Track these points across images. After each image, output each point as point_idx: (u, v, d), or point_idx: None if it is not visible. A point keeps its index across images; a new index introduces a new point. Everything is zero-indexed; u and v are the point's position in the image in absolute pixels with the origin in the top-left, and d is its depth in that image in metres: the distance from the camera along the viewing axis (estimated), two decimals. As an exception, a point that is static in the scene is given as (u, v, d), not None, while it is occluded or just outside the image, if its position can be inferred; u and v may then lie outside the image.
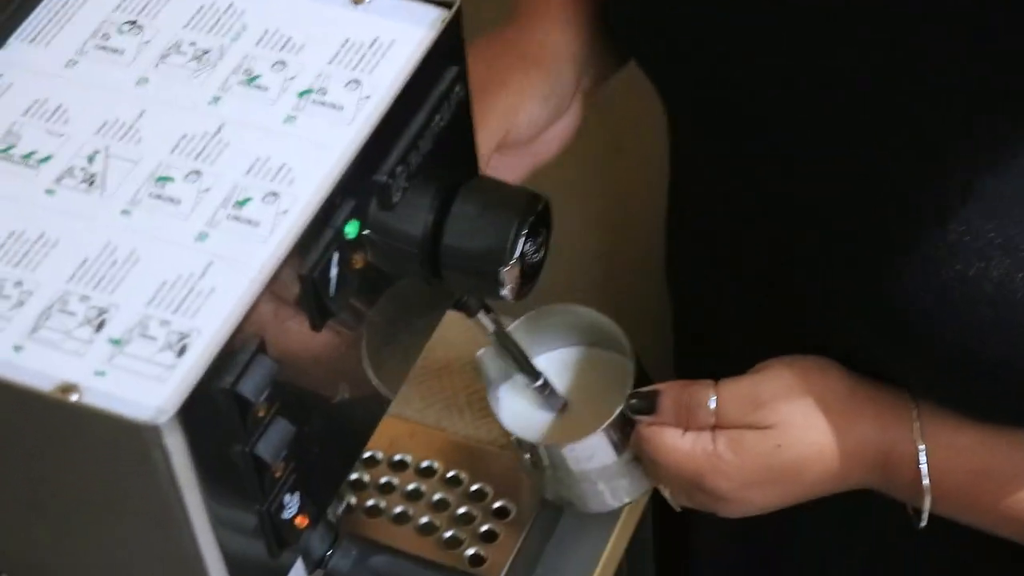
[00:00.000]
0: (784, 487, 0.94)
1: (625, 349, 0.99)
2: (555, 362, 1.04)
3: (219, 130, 0.70)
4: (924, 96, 0.84)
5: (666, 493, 1.00)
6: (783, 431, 0.92)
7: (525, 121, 0.94)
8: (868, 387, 0.93)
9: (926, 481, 0.91)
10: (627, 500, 1.03)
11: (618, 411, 0.96)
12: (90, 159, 0.69)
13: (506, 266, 0.76)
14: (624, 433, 0.97)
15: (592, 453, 0.98)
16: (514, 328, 1.00)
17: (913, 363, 0.87)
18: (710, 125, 0.96)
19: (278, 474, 0.68)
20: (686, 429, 0.94)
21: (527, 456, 1.00)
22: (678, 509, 1.01)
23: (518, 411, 1.01)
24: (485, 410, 1.13)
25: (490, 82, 0.93)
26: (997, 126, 0.82)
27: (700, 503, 0.97)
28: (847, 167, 0.87)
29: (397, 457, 1.12)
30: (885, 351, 0.89)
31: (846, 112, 0.86)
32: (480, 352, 0.98)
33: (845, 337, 0.91)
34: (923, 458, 0.91)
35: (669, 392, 0.94)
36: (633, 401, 0.95)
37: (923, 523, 0.93)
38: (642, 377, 0.98)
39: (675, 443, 0.94)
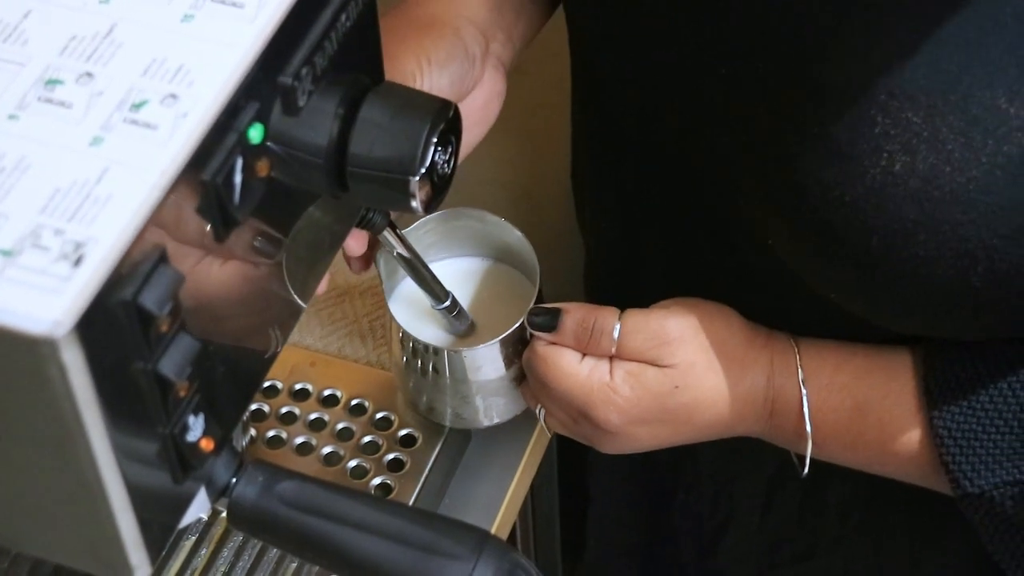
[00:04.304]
0: (673, 428, 0.93)
1: (531, 266, 0.97)
2: (456, 271, 1.01)
3: (111, 30, 0.66)
4: None
5: (540, 416, 0.98)
6: (683, 372, 0.91)
7: (426, 88, 0.89)
8: (763, 335, 0.93)
9: (808, 427, 0.91)
10: (496, 421, 1.01)
11: (518, 324, 0.94)
12: (-29, 63, 0.66)
13: (416, 175, 0.73)
14: (516, 350, 0.95)
15: (482, 364, 0.96)
16: (419, 225, 0.97)
17: (836, 267, 0.85)
18: (629, 39, 0.93)
19: (182, 393, 0.65)
20: (585, 354, 0.92)
21: (410, 357, 0.98)
22: (549, 434, 0.99)
23: (413, 310, 0.98)
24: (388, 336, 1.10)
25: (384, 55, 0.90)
26: (922, 14, 0.79)
27: (580, 433, 0.96)
28: (764, 67, 0.84)
29: (298, 386, 1.09)
30: (806, 260, 0.86)
31: (761, 8, 0.83)
32: (380, 251, 0.95)
33: (765, 252, 0.89)
34: (806, 402, 0.90)
35: (574, 313, 0.92)
36: (535, 316, 0.93)
37: (805, 471, 0.93)
38: (542, 303, 0.96)
39: (572, 367, 0.92)
